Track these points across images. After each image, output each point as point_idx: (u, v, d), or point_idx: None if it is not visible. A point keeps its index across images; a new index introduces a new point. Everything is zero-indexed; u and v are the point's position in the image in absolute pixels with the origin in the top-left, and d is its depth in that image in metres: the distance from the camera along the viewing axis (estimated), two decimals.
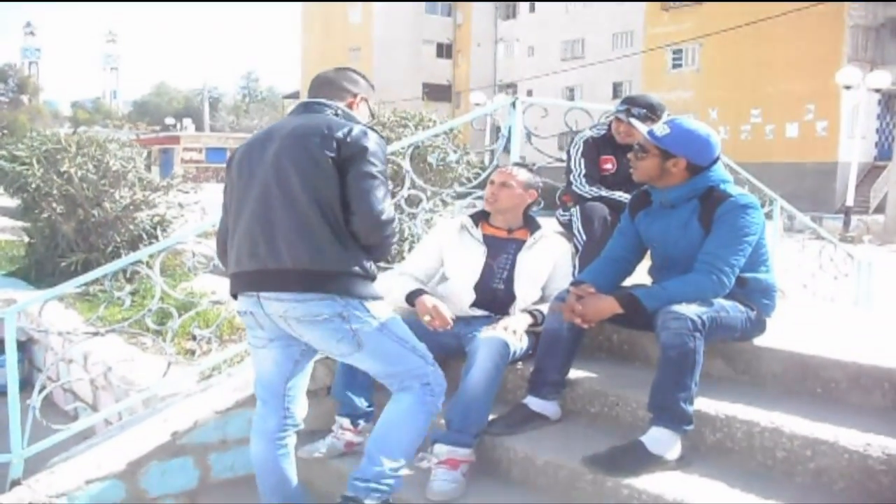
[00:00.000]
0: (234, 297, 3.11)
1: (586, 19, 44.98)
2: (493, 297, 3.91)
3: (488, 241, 3.98)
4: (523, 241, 3.98)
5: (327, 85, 3.16)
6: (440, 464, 3.35)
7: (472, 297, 3.90)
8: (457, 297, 3.90)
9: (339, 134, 2.87)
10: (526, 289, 3.91)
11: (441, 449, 3.38)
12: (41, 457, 3.83)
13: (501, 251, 3.96)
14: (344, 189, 2.86)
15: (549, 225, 4.26)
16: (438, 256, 4.03)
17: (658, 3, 39.06)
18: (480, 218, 4.07)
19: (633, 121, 4.12)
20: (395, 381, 3.07)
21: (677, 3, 38.39)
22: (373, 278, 2.97)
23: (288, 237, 2.84)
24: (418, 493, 3.30)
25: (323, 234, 2.83)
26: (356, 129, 2.90)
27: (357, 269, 2.89)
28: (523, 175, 4.02)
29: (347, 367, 3.63)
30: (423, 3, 52.99)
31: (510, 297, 3.91)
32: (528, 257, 3.94)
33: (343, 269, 2.86)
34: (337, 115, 3.03)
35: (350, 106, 3.14)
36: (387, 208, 2.91)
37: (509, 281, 3.92)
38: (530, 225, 4.05)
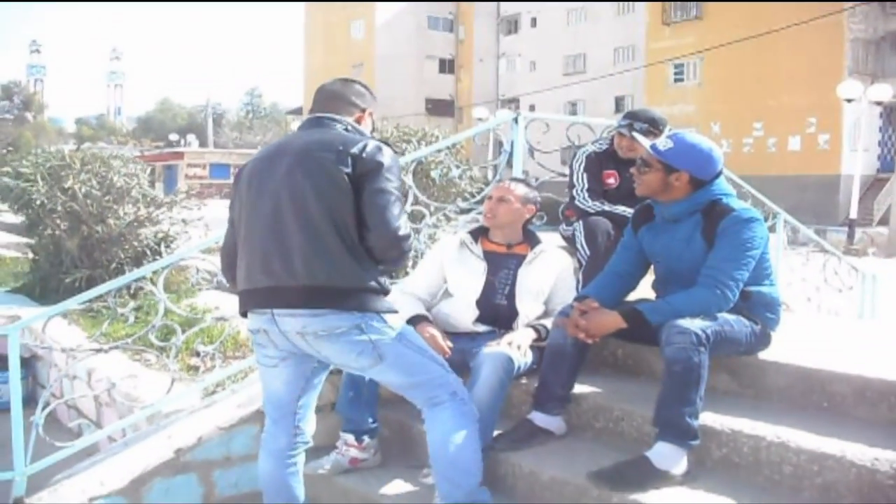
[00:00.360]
0: (244, 315, 3.07)
1: (588, 34, 45.12)
2: (496, 312, 3.90)
3: (488, 257, 3.97)
4: (524, 256, 3.96)
5: (334, 99, 3.12)
6: None
7: (474, 313, 3.88)
8: (460, 313, 3.89)
9: (354, 150, 2.86)
10: (527, 304, 3.89)
11: None
12: (44, 474, 3.82)
13: (502, 267, 3.95)
14: (359, 205, 2.85)
15: (550, 239, 4.26)
16: (440, 274, 4.02)
17: (659, 18, 39.17)
18: (480, 234, 4.06)
19: (636, 135, 4.12)
20: (419, 394, 3.05)
21: (678, 17, 38.48)
22: (387, 293, 2.95)
23: (303, 253, 2.81)
24: (408, 500, 3.30)
25: (338, 250, 2.81)
26: (371, 145, 2.89)
27: (372, 284, 2.87)
28: (521, 189, 4.00)
29: (352, 383, 3.64)
30: (426, 19, 53.17)
31: (513, 313, 3.90)
32: (528, 272, 3.92)
33: (358, 285, 2.84)
34: (347, 130, 3.01)
35: (358, 121, 3.11)
36: (403, 224, 2.90)
37: (511, 296, 3.90)
38: (530, 240, 4.03)
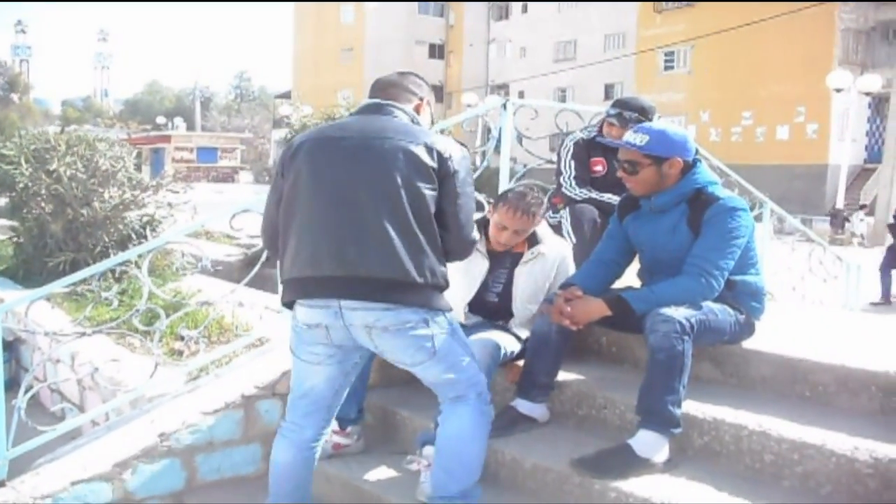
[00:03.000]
0: (290, 305, 2.97)
1: (579, 21, 45.04)
2: (486, 310, 3.87)
3: (487, 255, 3.88)
4: (520, 255, 3.87)
5: (393, 87, 3.06)
6: (429, 466, 3.35)
7: (465, 311, 3.85)
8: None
9: (440, 148, 2.82)
10: (523, 305, 3.83)
11: (430, 451, 3.37)
12: (26, 458, 3.80)
13: (498, 266, 3.88)
14: (440, 204, 2.83)
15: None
16: None
17: (650, 5, 39.14)
18: (483, 226, 3.90)
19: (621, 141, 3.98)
20: (450, 389, 2.99)
21: (669, 4, 38.47)
22: (445, 289, 2.93)
23: (386, 245, 2.73)
24: (406, 494, 3.30)
25: (421, 244, 2.77)
26: (454, 146, 2.87)
27: (442, 281, 2.86)
28: (539, 212, 3.79)
29: None
30: (416, 4, 52.99)
31: (506, 311, 3.86)
32: (524, 273, 3.84)
33: (433, 281, 2.80)
34: (413, 122, 2.96)
35: (417, 110, 3.05)
36: (474, 227, 2.98)
37: (505, 295, 3.85)
38: (529, 238, 3.91)
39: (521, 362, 3.68)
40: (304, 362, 3.00)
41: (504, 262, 3.87)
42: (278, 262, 2.99)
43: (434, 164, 2.79)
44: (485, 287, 3.85)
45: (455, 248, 2.93)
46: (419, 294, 2.78)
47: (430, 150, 2.80)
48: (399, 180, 2.75)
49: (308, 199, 2.84)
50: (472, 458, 3.02)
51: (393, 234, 2.72)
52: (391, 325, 2.77)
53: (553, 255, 3.90)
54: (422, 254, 2.76)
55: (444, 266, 2.88)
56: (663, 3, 38.78)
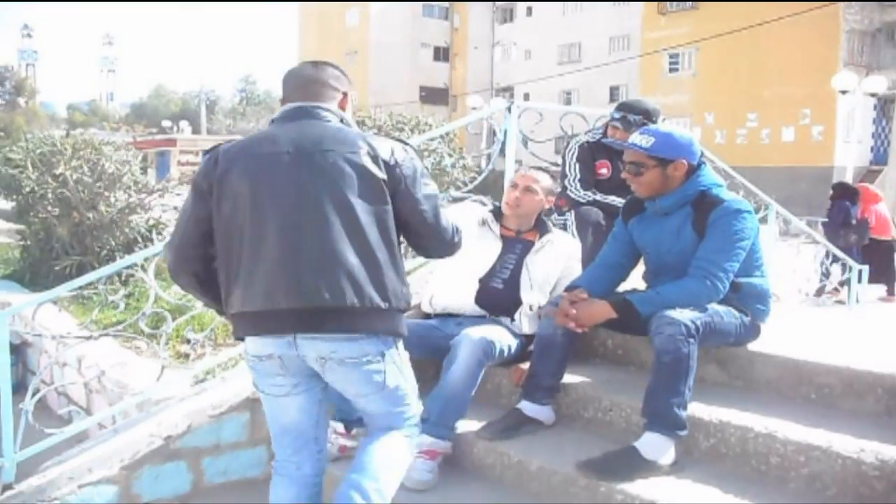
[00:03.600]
0: (241, 339, 2.75)
1: (583, 23, 44.99)
2: (490, 295, 3.86)
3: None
4: (530, 243, 3.92)
5: (314, 84, 2.77)
6: (419, 454, 3.38)
7: (474, 291, 3.84)
8: (458, 288, 3.87)
9: (384, 155, 2.61)
10: (532, 294, 3.84)
11: (422, 440, 3.40)
12: (34, 461, 3.81)
13: (507, 251, 3.91)
14: (401, 213, 2.65)
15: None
16: None
17: (655, 7, 39.10)
18: (497, 214, 4.04)
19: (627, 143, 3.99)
20: (384, 422, 2.82)
21: (674, 6, 38.44)
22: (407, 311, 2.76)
23: (345, 269, 2.51)
24: (411, 494, 3.30)
25: (381, 266, 2.57)
26: (398, 150, 2.67)
27: (404, 304, 2.67)
28: (546, 181, 3.96)
29: None
30: (420, 6, 52.98)
31: (510, 299, 3.84)
32: (535, 261, 3.88)
33: (395, 305, 2.61)
34: (343, 121, 2.74)
35: (341, 106, 2.81)
36: (451, 220, 2.82)
37: (510, 283, 3.86)
38: (540, 227, 4.01)
39: (526, 364, 3.68)
40: (270, 396, 2.78)
41: (513, 248, 3.91)
42: (221, 293, 2.69)
43: (384, 176, 2.59)
44: (491, 272, 3.87)
45: (438, 249, 2.84)
46: (382, 320, 2.61)
47: (374, 158, 2.59)
48: (351, 198, 2.53)
49: (255, 226, 2.56)
50: (391, 483, 2.80)
51: (352, 257, 2.52)
52: (347, 358, 2.59)
53: (563, 246, 3.98)
54: (384, 276, 2.58)
55: (407, 286, 2.70)
56: (668, 4, 38.71)
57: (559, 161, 4.88)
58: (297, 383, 2.72)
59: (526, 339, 3.75)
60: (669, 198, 3.44)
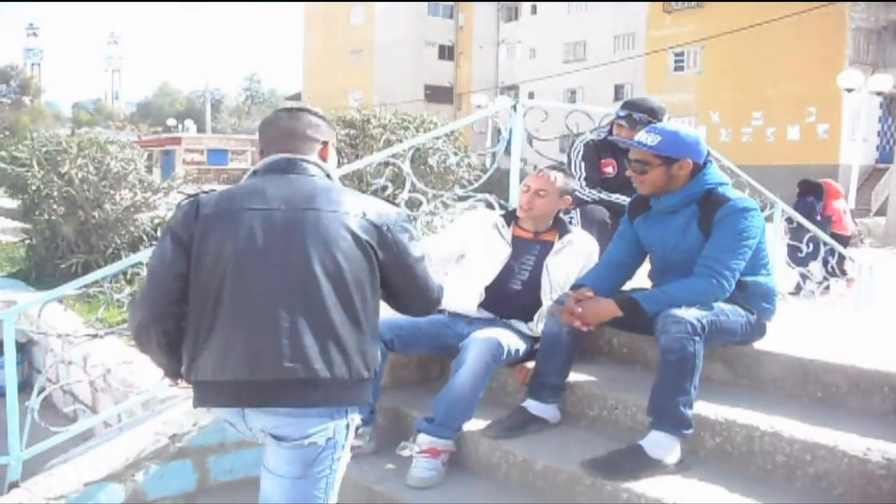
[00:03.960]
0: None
1: (588, 21, 44.94)
2: (508, 298, 3.84)
3: (514, 242, 3.91)
4: (549, 244, 3.89)
5: (292, 137, 2.57)
6: (421, 453, 3.42)
7: (480, 297, 3.83)
8: (465, 294, 3.84)
9: (373, 218, 2.42)
10: (554, 296, 3.76)
11: (424, 439, 3.46)
12: (40, 459, 3.82)
13: (525, 252, 3.88)
14: (387, 274, 2.47)
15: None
16: (459, 245, 3.98)
17: (660, 6, 39.05)
18: (511, 217, 3.99)
19: (630, 141, 3.97)
20: None
21: (679, 4, 38.39)
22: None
23: (339, 338, 2.32)
24: (419, 495, 3.31)
25: (369, 331, 2.41)
26: (386, 210, 2.49)
27: (373, 373, 2.44)
28: (560, 181, 3.90)
29: None
30: (425, 5, 52.97)
31: (529, 301, 3.83)
32: (556, 262, 3.85)
33: (367, 374, 2.39)
34: (328, 176, 2.56)
35: (323, 156, 2.60)
36: (435, 279, 2.62)
37: (529, 284, 3.84)
38: (558, 226, 3.96)
39: (531, 364, 3.68)
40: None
41: (531, 249, 3.88)
42: (183, 353, 2.44)
43: (373, 240, 2.41)
44: (510, 274, 3.84)
45: (421, 308, 2.68)
46: (361, 389, 2.41)
47: (364, 219, 2.41)
48: (341, 262, 2.34)
49: (237, 289, 2.33)
50: None
51: (341, 325, 2.32)
52: (290, 435, 2.35)
53: (583, 245, 3.93)
54: (367, 344, 2.39)
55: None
56: (673, 3, 38.66)
57: (564, 160, 4.87)
58: None
59: (534, 340, 3.75)
60: (675, 196, 3.43)
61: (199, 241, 2.38)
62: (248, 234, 2.35)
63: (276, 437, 2.35)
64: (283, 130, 2.58)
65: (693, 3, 37.71)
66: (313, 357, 2.28)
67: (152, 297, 2.43)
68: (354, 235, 2.38)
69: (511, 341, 3.66)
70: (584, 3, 45.13)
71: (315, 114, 2.67)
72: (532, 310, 3.83)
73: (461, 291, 3.83)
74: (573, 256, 3.88)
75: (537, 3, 48.70)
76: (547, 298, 3.79)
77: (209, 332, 2.33)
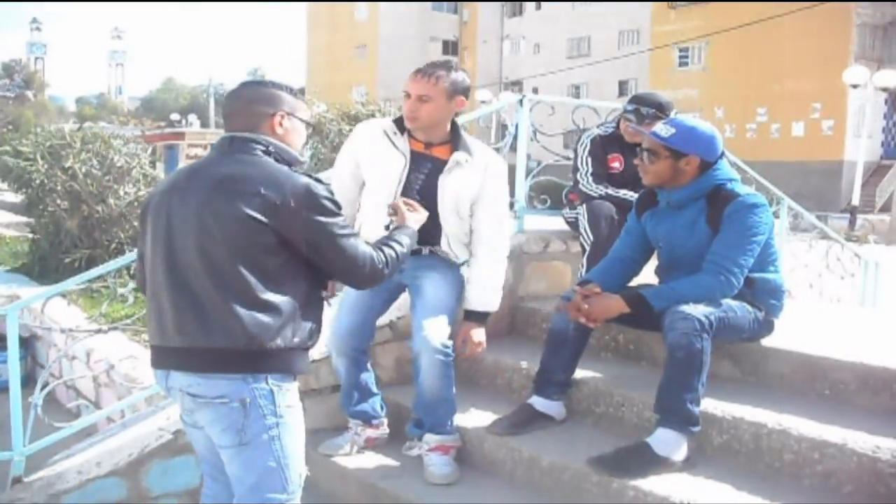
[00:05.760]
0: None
1: (593, 17, 44.91)
2: None
3: (411, 154, 3.44)
4: (442, 162, 3.42)
5: (234, 116, 2.58)
6: (432, 450, 3.43)
7: (386, 220, 3.27)
8: (373, 217, 3.39)
9: (278, 198, 2.39)
10: (450, 221, 3.44)
11: (430, 437, 3.47)
12: (43, 454, 3.80)
13: (419, 167, 3.43)
14: (307, 250, 2.46)
15: (552, 223, 4.16)
16: (358, 176, 3.56)
17: (665, 1, 39.00)
18: (405, 127, 3.46)
19: (641, 128, 3.98)
20: (245, 496, 2.53)
21: (684, 0, 38.34)
22: (297, 348, 2.51)
23: (216, 312, 2.38)
24: (423, 493, 3.30)
25: (266, 306, 2.40)
26: (297, 190, 2.42)
27: (280, 343, 2.43)
28: (446, 81, 3.34)
29: (351, 380, 3.66)
30: (430, 1, 52.98)
31: (428, 225, 3.23)
32: (446, 184, 3.41)
33: (274, 345, 2.42)
34: (269, 152, 2.51)
35: (272, 129, 2.56)
36: (363, 252, 2.55)
37: (426, 205, 3.26)
38: (454, 139, 3.46)
39: (476, 332, 3.51)
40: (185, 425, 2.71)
41: (423, 166, 3.43)
42: None
43: (269, 218, 2.39)
44: (408, 192, 3.37)
45: (356, 283, 2.64)
46: (248, 359, 2.42)
47: (260, 199, 2.38)
48: (228, 241, 2.38)
49: (155, 266, 2.51)
50: None
51: (232, 300, 2.37)
52: (200, 396, 2.44)
53: (478, 161, 3.46)
54: (275, 317, 2.41)
55: (301, 323, 2.49)
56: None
57: (569, 155, 4.85)
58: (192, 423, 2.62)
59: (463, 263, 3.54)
60: (683, 191, 3.40)
61: (142, 221, 2.62)
62: (166, 216, 2.49)
63: (192, 395, 2.46)
64: (227, 109, 2.62)
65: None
66: (196, 329, 2.40)
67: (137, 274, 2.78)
68: (248, 215, 2.37)
69: (448, 303, 3.47)
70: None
71: (276, 85, 2.65)
72: (434, 235, 3.42)
73: (372, 218, 3.41)
74: (466, 177, 3.42)
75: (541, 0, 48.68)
76: (446, 224, 3.43)
77: (147, 301, 2.58)
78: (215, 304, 2.38)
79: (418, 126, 3.40)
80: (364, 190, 3.56)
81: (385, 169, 3.42)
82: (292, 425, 2.52)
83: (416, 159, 3.43)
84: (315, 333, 2.57)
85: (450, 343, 3.44)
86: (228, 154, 2.52)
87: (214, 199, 2.41)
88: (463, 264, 3.55)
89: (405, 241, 2.77)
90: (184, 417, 2.64)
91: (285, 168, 2.48)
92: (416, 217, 3.01)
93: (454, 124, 3.50)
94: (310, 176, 2.50)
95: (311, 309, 2.55)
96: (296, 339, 2.47)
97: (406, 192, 3.36)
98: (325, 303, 2.69)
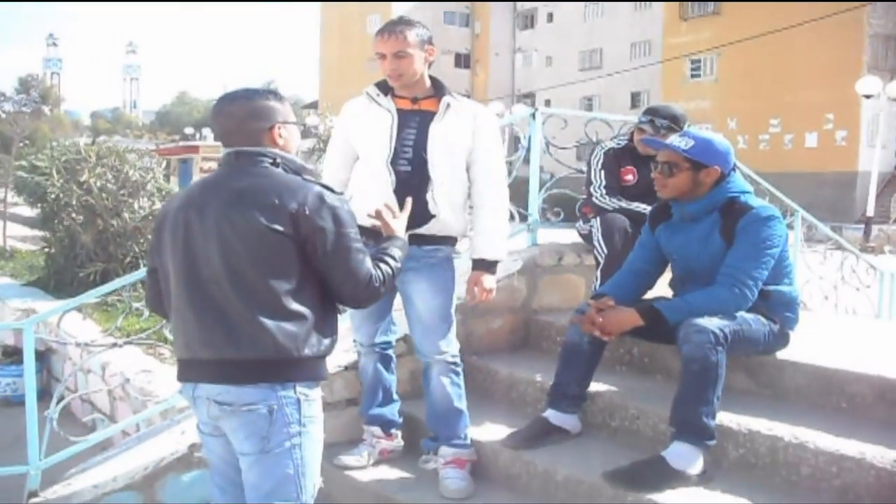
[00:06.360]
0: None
1: (604, 29, 44.97)
2: (401, 182, 3.36)
3: (397, 114, 3.44)
4: (431, 114, 3.42)
5: (236, 133, 2.59)
6: (447, 464, 3.43)
7: (389, 178, 3.35)
8: (373, 181, 3.39)
9: (293, 206, 2.42)
10: (442, 168, 3.39)
11: (446, 450, 3.47)
12: (58, 468, 3.82)
13: (405, 125, 3.42)
14: (315, 263, 2.48)
15: (567, 236, 4.14)
16: (347, 152, 3.60)
17: (676, 13, 39.00)
18: (386, 88, 3.49)
19: (664, 140, 3.91)
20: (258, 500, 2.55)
21: (695, 11, 38.32)
22: (322, 356, 2.55)
23: (242, 324, 2.42)
24: (417, 490, 3.29)
25: (290, 316, 2.44)
26: (311, 200, 2.45)
27: (307, 352, 2.47)
28: (412, 35, 3.39)
29: (377, 377, 3.69)
30: (442, 14, 53.08)
31: (421, 181, 3.36)
32: (438, 130, 3.39)
33: (297, 354, 2.46)
34: (276, 163, 2.54)
35: (273, 142, 2.58)
36: (368, 270, 2.53)
37: (417, 162, 3.37)
38: (438, 91, 3.49)
39: (485, 278, 3.48)
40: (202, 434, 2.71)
41: (412, 121, 3.42)
42: None
43: (286, 228, 2.42)
44: (395, 155, 3.38)
45: (349, 298, 2.60)
46: (273, 369, 2.46)
47: (282, 211, 2.42)
48: (249, 254, 2.42)
49: (178, 279, 2.54)
50: None
51: (257, 311, 2.41)
52: (228, 403, 2.46)
53: (466, 111, 3.48)
54: (298, 327, 2.45)
55: (322, 336, 2.51)
56: (689, 10, 38.59)
57: (582, 167, 4.85)
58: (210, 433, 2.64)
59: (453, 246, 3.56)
60: (697, 204, 3.40)
61: (157, 236, 2.65)
62: (184, 231, 2.52)
63: (220, 403, 2.47)
64: (220, 127, 2.64)
65: (709, 10, 37.66)
66: (225, 342, 2.43)
67: (146, 296, 2.83)
68: (266, 226, 2.41)
69: (444, 310, 3.47)
70: (599, 9, 45.17)
71: (250, 98, 2.63)
72: (428, 197, 3.39)
73: (367, 182, 3.44)
74: (456, 124, 3.42)
75: (553, 11, 48.74)
76: (436, 173, 3.39)
77: (172, 315, 2.62)
78: (241, 315, 2.42)
79: (403, 82, 3.41)
80: (357, 163, 3.56)
81: (374, 130, 3.43)
82: (314, 435, 2.55)
83: (405, 116, 3.43)
84: (335, 341, 2.60)
85: (456, 353, 3.50)
86: (238, 168, 2.56)
87: (232, 212, 2.44)
88: (455, 253, 3.57)
89: (398, 255, 2.72)
90: (202, 427, 2.65)
91: (297, 178, 2.52)
92: (401, 223, 2.91)
93: (434, 78, 3.52)
94: (322, 185, 2.53)
95: (331, 317, 2.59)
96: (322, 348, 2.51)
97: (399, 148, 3.38)
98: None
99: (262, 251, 2.42)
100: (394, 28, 3.39)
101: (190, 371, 2.56)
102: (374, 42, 3.42)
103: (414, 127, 3.42)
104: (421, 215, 3.33)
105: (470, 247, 3.64)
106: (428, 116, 3.42)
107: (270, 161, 2.54)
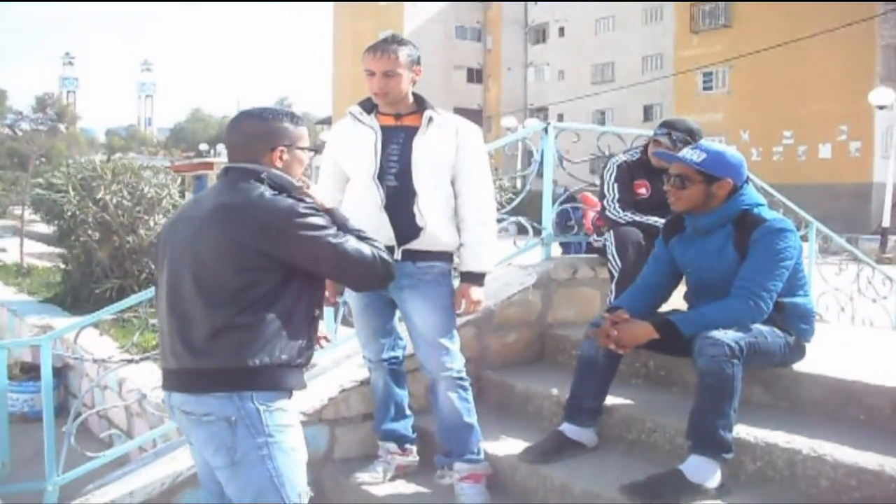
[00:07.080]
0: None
1: (616, 43, 45.00)
2: (388, 197, 3.40)
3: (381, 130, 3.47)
4: (415, 129, 3.43)
5: (239, 149, 2.63)
6: (463, 479, 3.41)
7: (378, 195, 3.37)
8: (363, 197, 3.42)
9: (263, 220, 2.45)
10: (426, 181, 3.40)
11: (460, 466, 3.46)
12: (76, 484, 3.84)
13: (389, 141, 3.44)
14: (308, 266, 2.52)
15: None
16: (338, 173, 3.62)
17: (687, 26, 39.00)
18: (372, 105, 3.52)
19: (679, 154, 3.90)
20: None
21: (707, 24, 38.31)
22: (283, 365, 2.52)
23: (193, 333, 2.47)
24: None
25: (253, 327, 2.45)
26: (283, 214, 2.46)
27: (263, 360, 2.46)
28: (403, 54, 3.41)
29: (387, 392, 3.69)
30: (454, 29, 53.26)
31: (409, 194, 3.38)
32: (421, 144, 3.41)
33: (257, 363, 2.45)
34: (261, 179, 2.53)
35: (272, 164, 2.60)
36: (371, 253, 2.56)
37: (403, 176, 3.39)
38: (420, 106, 3.50)
39: (473, 291, 3.47)
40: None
41: (396, 137, 3.45)
42: None
43: (263, 245, 2.45)
44: (382, 171, 3.40)
45: (365, 284, 2.72)
46: (257, 378, 2.47)
47: (251, 228, 2.44)
48: (216, 269, 2.46)
49: (161, 291, 2.63)
50: None
51: (220, 323, 2.43)
52: (191, 412, 2.50)
53: (449, 125, 3.48)
54: (264, 337, 2.45)
55: (287, 342, 2.50)
56: (700, 23, 38.58)
57: (595, 181, 4.85)
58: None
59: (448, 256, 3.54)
60: (710, 216, 3.40)
61: (155, 250, 2.76)
62: (170, 246, 2.60)
63: (186, 413, 2.52)
64: (228, 140, 2.69)
65: (720, 23, 37.63)
66: (184, 351, 2.48)
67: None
68: (235, 240, 2.45)
69: (444, 326, 3.47)
70: (611, 24, 45.22)
71: (265, 118, 2.65)
72: (416, 216, 3.40)
73: (356, 199, 3.47)
74: (439, 138, 3.43)
75: (565, 25, 48.81)
76: (421, 186, 3.39)
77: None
78: (201, 326, 2.46)
79: (389, 100, 3.44)
80: (348, 185, 3.58)
81: (360, 147, 3.46)
82: (286, 445, 2.52)
83: (389, 132, 3.46)
84: (305, 350, 2.58)
85: (462, 368, 3.50)
86: (225, 183, 2.60)
87: (207, 227, 2.50)
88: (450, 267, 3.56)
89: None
90: (186, 437, 2.71)
91: (270, 192, 2.52)
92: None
93: (416, 94, 3.54)
94: (294, 197, 2.54)
95: (301, 326, 2.57)
96: (283, 356, 2.49)
97: (383, 164, 3.40)
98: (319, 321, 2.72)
99: (227, 263, 2.46)
100: (386, 47, 3.42)
101: (165, 380, 2.62)
102: (363, 58, 3.46)
103: (399, 142, 3.44)
104: (409, 228, 3.39)
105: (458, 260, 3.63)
106: (412, 131, 3.45)
107: (256, 177, 2.55)
